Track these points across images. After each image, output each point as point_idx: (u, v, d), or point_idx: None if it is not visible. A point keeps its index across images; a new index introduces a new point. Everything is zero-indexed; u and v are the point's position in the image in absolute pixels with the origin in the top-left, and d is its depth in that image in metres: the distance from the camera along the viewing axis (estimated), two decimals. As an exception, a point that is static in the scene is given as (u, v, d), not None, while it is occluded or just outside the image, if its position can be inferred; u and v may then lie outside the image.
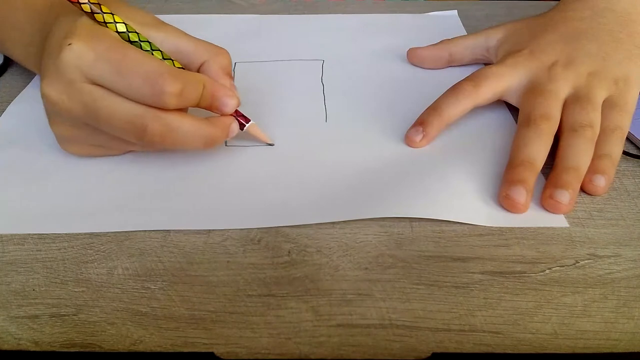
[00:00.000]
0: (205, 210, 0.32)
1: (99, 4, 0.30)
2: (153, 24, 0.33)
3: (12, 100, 0.42)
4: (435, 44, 0.46)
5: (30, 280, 0.28)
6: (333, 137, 0.38)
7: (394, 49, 0.49)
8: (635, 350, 0.25)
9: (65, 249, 0.30)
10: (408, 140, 0.37)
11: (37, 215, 0.32)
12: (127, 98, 0.30)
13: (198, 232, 0.31)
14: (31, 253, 0.30)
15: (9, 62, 0.47)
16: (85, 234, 0.31)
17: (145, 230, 0.31)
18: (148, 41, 0.32)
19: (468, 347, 0.25)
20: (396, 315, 0.27)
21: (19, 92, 0.43)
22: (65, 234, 0.31)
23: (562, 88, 0.36)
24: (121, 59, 0.29)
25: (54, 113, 0.32)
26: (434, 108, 0.37)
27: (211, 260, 0.30)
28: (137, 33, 0.31)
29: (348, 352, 0.25)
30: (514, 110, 0.40)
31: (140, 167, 0.36)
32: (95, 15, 0.30)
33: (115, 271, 0.29)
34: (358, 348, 0.25)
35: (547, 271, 0.29)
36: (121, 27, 0.31)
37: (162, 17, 0.34)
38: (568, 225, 0.32)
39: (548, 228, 0.31)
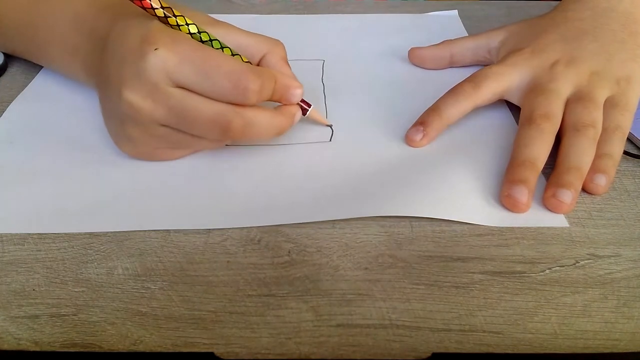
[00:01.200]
0: (205, 210, 0.32)
1: (171, 8, 0.31)
2: (210, 22, 0.34)
3: (12, 100, 0.42)
4: (437, 44, 0.46)
5: (30, 280, 0.28)
6: (334, 138, 0.38)
7: (395, 49, 0.49)
8: (635, 350, 0.25)
9: (65, 249, 0.30)
10: (408, 139, 0.37)
11: (37, 215, 0.32)
12: (210, 97, 0.31)
13: (198, 232, 0.31)
14: (31, 253, 0.30)
15: (8, 62, 0.47)
16: (85, 234, 0.31)
17: (145, 230, 0.31)
18: (218, 40, 0.32)
19: (468, 347, 0.25)
20: (396, 315, 0.27)
21: (19, 92, 0.43)
22: (65, 234, 0.31)
23: (564, 87, 0.36)
24: (204, 60, 0.30)
25: (134, 117, 0.32)
26: (434, 109, 0.38)
27: (211, 260, 0.30)
28: (207, 33, 0.32)
29: (348, 352, 0.25)
30: (514, 109, 0.40)
31: (141, 167, 0.36)
32: (168, 19, 0.31)
33: (115, 271, 0.29)
34: (358, 348, 0.25)
35: (547, 271, 0.29)
36: (193, 29, 0.31)
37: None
38: (568, 225, 0.32)
39: (548, 228, 0.31)
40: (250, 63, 0.35)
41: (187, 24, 0.31)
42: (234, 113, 0.31)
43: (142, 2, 0.30)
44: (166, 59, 0.30)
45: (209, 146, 0.36)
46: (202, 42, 0.32)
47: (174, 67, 0.30)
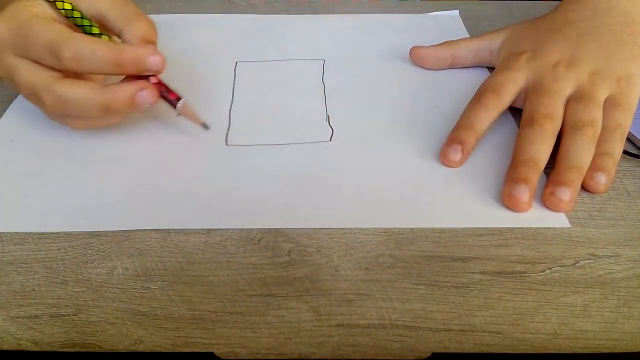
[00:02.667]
0: (205, 210, 0.32)
1: None
2: None
3: (12, 100, 0.42)
4: (439, 44, 0.46)
5: (30, 280, 0.28)
6: (334, 137, 0.38)
7: (395, 49, 0.49)
8: (635, 350, 0.25)
9: (65, 249, 0.30)
10: (447, 160, 0.35)
11: (37, 214, 0.32)
12: (39, 63, 0.34)
13: (198, 232, 0.31)
14: (31, 253, 0.30)
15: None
16: (85, 234, 0.31)
17: (145, 230, 0.31)
18: (80, 12, 0.35)
19: (468, 347, 0.25)
20: (396, 315, 0.27)
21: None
22: (65, 234, 0.31)
23: (566, 87, 0.36)
24: (27, 33, 0.33)
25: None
26: (467, 125, 0.36)
27: (211, 260, 0.30)
28: (72, 5, 0.35)
29: (348, 352, 0.25)
30: (513, 109, 0.40)
31: (140, 166, 0.36)
32: None
33: (115, 271, 0.29)
34: (358, 348, 0.25)
35: (547, 271, 0.29)
36: (59, 5, 0.34)
37: (161, 16, 0.35)
38: (569, 225, 0.31)
39: (548, 228, 0.31)
40: (109, 36, 0.36)
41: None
42: (45, 87, 0.33)
43: None
44: (1, 33, 0.34)
45: (60, 120, 0.37)
46: (68, 17, 0.35)
47: (7, 40, 0.34)
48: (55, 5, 0.35)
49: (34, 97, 0.34)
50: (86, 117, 0.36)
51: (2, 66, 0.35)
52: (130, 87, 0.34)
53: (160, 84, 0.35)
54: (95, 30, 0.35)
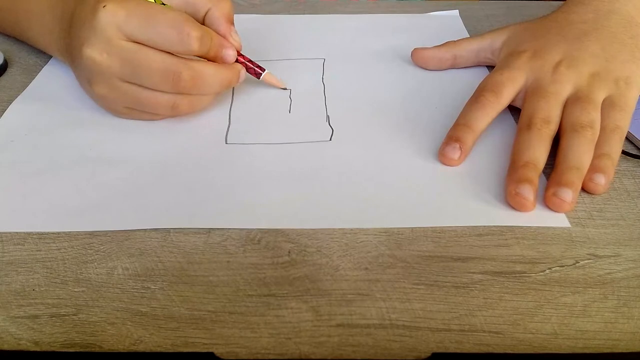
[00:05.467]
0: (205, 210, 0.32)
1: None
2: None
3: (12, 100, 0.42)
4: (440, 45, 0.46)
5: (30, 280, 0.28)
6: (334, 137, 0.38)
7: (395, 49, 0.49)
8: (635, 350, 0.25)
9: (65, 249, 0.30)
10: (445, 158, 0.36)
11: (37, 214, 0.32)
12: (159, 49, 0.34)
13: (198, 232, 0.31)
14: (31, 253, 0.30)
15: (8, 62, 0.47)
16: (85, 234, 0.31)
17: (145, 230, 0.31)
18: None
19: (468, 347, 0.25)
20: (396, 315, 0.27)
21: (19, 92, 0.43)
22: (65, 234, 0.31)
23: (564, 89, 0.36)
24: (149, 13, 0.33)
25: (95, 73, 0.36)
26: (464, 124, 0.37)
27: (211, 260, 0.30)
28: None
29: (348, 352, 0.25)
30: (513, 108, 0.40)
31: (140, 166, 0.36)
32: None
33: (115, 271, 0.29)
34: (358, 348, 0.25)
35: (547, 271, 0.29)
36: None
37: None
38: (570, 226, 0.31)
39: (548, 228, 0.31)
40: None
41: None
42: (183, 64, 0.35)
43: None
44: (114, 13, 0.33)
45: (166, 107, 0.37)
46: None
47: (122, 20, 0.33)
48: None
49: (167, 76, 0.34)
50: (202, 95, 0.38)
51: (115, 51, 0.34)
52: (237, 66, 0.39)
53: (249, 61, 0.41)
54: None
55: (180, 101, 0.37)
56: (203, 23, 0.38)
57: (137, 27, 0.33)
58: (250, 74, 0.41)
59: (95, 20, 0.33)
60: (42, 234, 0.31)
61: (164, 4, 0.36)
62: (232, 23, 0.39)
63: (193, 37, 0.34)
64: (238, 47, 0.39)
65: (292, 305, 0.27)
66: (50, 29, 0.41)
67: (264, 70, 0.41)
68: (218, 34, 0.37)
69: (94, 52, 0.34)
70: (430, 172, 0.35)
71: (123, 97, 0.37)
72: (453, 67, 0.46)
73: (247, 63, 0.40)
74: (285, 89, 0.43)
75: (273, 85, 0.42)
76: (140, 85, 0.36)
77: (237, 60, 0.39)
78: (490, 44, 0.44)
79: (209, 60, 0.37)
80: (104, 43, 0.34)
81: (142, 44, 0.34)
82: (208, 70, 0.36)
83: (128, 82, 0.36)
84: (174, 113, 0.38)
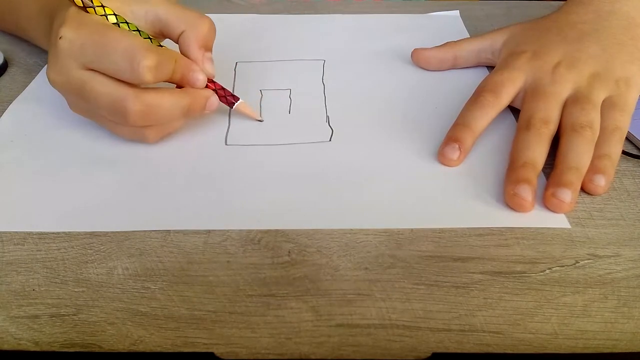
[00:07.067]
0: (205, 210, 0.32)
1: None
2: None
3: (12, 100, 0.42)
4: (440, 45, 0.46)
5: (30, 280, 0.28)
6: (334, 138, 0.38)
7: (396, 50, 0.49)
8: (635, 350, 0.25)
9: (65, 249, 0.30)
10: (445, 159, 0.35)
11: (37, 215, 0.32)
12: (112, 77, 0.32)
13: (198, 232, 0.31)
14: (31, 253, 0.30)
15: (8, 62, 0.47)
16: (85, 234, 0.31)
17: (145, 230, 0.31)
18: (126, 22, 0.34)
19: (468, 347, 0.25)
20: (396, 315, 0.27)
21: (19, 92, 0.43)
22: (65, 234, 0.31)
23: (564, 90, 0.36)
24: (102, 41, 0.32)
25: (63, 94, 0.35)
26: (464, 124, 0.37)
27: (211, 260, 0.30)
28: (116, 15, 0.33)
29: (348, 352, 0.25)
30: (513, 108, 0.40)
31: (141, 166, 0.36)
32: (85, 5, 0.33)
33: (115, 271, 0.29)
34: (358, 348, 0.25)
35: (547, 271, 0.29)
36: (100, 11, 0.33)
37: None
38: (569, 226, 0.31)
39: (548, 228, 0.31)
40: (156, 42, 0.35)
41: (94, 6, 0.33)
42: (131, 97, 0.32)
43: None
44: (71, 43, 0.32)
45: (133, 137, 0.36)
46: (114, 24, 0.33)
47: (77, 51, 0.32)
48: (106, 17, 0.33)
49: (114, 109, 0.33)
50: (164, 123, 0.36)
51: (69, 80, 0.33)
52: (205, 93, 0.36)
53: (221, 89, 0.38)
54: (137, 34, 0.34)
55: (143, 132, 0.35)
56: (178, 43, 0.36)
57: (92, 57, 0.32)
58: (223, 102, 0.38)
59: (55, 48, 0.32)
60: (42, 234, 0.31)
61: (129, 25, 0.34)
62: (208, 48, 0.36)
63: (144, 67, 0.31)
64: (209, 75, 0.36)
65: (292, 305, 0.27)
66: (45, 31, 0.40)
67: (237, 99, 0.38)
68: (189, 58, 0.35)
69: (54, 77, 0.34)
70: (431, 172, 0.35)
71: (95, 120, 0.36)
72: (453, 67, 0.46)
73: (219, 91, 0.37)
74: (260, 120, 0.40)
75: (247, 116, 0.40)
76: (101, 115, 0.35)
77: (208, 87, 0.36)
78: (490, 44, 0.44)
79: (177, 84, 0.35)
80: (63, 71, 0.33)
81: (98, 72, 0.32)
82: (162, 100, 0.33)
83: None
84: (145, 142, 0.36)
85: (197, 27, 0.35)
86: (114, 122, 0.35)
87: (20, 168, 0.36)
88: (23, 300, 0.27)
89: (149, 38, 0.35)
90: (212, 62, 0.37)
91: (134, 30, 0.34)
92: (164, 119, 0.34)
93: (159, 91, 0.34)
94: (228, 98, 0.38)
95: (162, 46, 0.35)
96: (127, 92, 0.32)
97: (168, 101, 0.34)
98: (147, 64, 0.31)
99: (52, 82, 0.34)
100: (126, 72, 0.31)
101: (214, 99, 0.37)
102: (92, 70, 0.32)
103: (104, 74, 0.32)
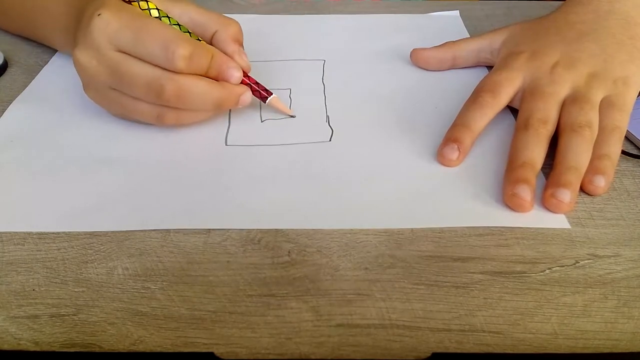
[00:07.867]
0: (205, 210, 0.32)
1: None
2: (170, 0, 0.37)
3: (12, 100, 0.42)
4: (440, 45, 0.46)
5: (30, 280, 0.28)
6: (334, 138, 0.38)
7: (395, 49, 0.49)
8: (635, 350, 0.25)
9: (65, 249, 0.30)
10: (444, 159, 0.36)
11: (37, 215, 0.32)
12: (145, 62, 0.33)
13: (198, 232, 0.31)
14: (31, 253, 0.30)
15: (8, 62, 0.47)
16: (85, 234, 0.31)
17: (145, 230, 0.31)
18: (168, 16, 0.36)
19: (468, 347, 0.25)
20: (396, 315, 0.27)
21: (19, 92, 0.43)
22: (65, 234, 0.31)
23: (562, 89, 0.36)
24: (141, 27, 0.33)
25: (86, 78, 0.36)
26: (463, 124, 0.37)
27: (211, 260, 0.30)
28: (159, 9, 0.35)
29: (348, 352, 0.25)
30: (513, 108, 0.40)
31: (140, 166, 0.36)
32: None
33: (115, 271, 0.29)
34: (358, 348, 0.25)
35: (547, 271, 0.29)
36: (144, 5, 0.35)
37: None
38: (569, 227, 0.31)
39: (548, 228, 0.31)
40: (199, 39, 0.37)
41: (139, 0, 0.35)
42: (167, 77, 0.33)
43: None
44: (108, 23, 0.33)
45: (151, 116, 0.37)
46: (155, 17, 0.35)
47: (114, 32, 0.33)
48: (149, 11, 0.35)
49: (150, 87, 0.34)
50: (193, 110, 0.37)
51: (100, 58, 0.34)
52: (240, 89, 0.37)
53: (255, 83, 0.39)
54: (176, 27, 0.36)
55: (166, 113, 0.36)
56: (211, 44, 0.37)
57: (127, 41, 0.33)
58: (256, 96, 0.39)
59: (89, 26, 0.33)
60: (42, 234, 0.31)
61: (170, 20, 0.35)
62: (241, 45, 0.38)
63: (178, 56, 0.33)
64: (245, 69, 0.38)
65: (292, 305, 0.27)
66: (66, 27, 0.40)
67: (271, 94, 0.39)
68: (225, 54, 0.37)
69: (83, 57, 0.34)
70: (430, 172, 0.35)
71: (111, 103, 0.37)
72: (453, 67, 0.46)
73: (253, 85, 0.38)
74: (292, 116, 0.40)
75: (279, 110, 0.40)
76: (126, 94, 0.35)
77: (243, 82, 0.37)
78: (489, 44, 0.44)
79: (213, 79, 0.36)
80: (94, 50, 0.34)
81: (131, 55, 0.34)
82: (197, 86, 0.34)
83: (115, 89, 0.35)
84: (160, 123, 0.37)
85: (229, 26, 0.38)
86: (139, 100, 0.35)
87: (20, 168, 0.36)
88: (23, 300, 0.27)
89: (188, 32, 0.36)
90: (246, 57, 0.38)
91: (174, 24, 0.35)
92: (195, 104, 0.35)
93: (195, 77, 0.35)
94: (262, 92, 0.39)
95: (200, 41, 0.36)
96: (164, 72, 0.33)
97: (202, 88, 0.35)
98: (181, 52, 0.33)
99: (78, 61, 0.35)
100: (160, 58, 0.33)
101: (248, 94, 0.37)
102: (124, 53, 0.33)
103: (137, 57, 0.33)
